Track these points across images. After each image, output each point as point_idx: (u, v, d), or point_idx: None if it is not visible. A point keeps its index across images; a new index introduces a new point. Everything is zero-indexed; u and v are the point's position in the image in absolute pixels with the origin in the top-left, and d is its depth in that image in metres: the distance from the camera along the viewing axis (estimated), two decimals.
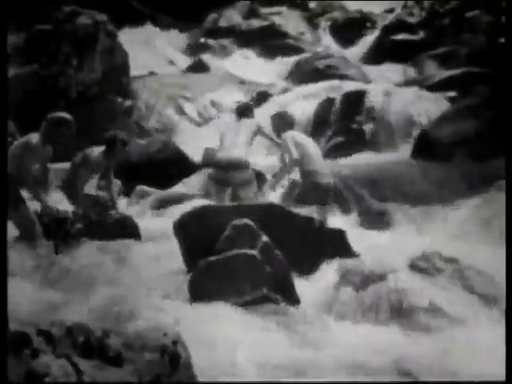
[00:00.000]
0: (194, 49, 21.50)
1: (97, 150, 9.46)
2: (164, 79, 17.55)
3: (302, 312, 5.95)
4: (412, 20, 21.90)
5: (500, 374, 4.03)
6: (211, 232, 6.59)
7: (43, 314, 5.45)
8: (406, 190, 10.23)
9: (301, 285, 6.32)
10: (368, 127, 13.57)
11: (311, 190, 8.77)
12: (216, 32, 22.67)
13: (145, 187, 11.35)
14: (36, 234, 7.86)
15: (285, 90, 16.71)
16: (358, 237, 7.74)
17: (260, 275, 6.09)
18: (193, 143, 13.34)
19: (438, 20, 20.68)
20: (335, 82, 15.81)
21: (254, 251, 6.20)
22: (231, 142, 9.17)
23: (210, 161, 10.58)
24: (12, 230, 7.57)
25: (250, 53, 21.30)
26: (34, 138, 8.01)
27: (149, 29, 21.78)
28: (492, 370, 4.45)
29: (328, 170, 9.19)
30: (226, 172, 9.06)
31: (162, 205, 10.50)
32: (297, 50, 21.08)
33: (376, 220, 8.97)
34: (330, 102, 14.29)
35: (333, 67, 18.52)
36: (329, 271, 6.60)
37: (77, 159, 9.72)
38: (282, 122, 9.47)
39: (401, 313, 5.88)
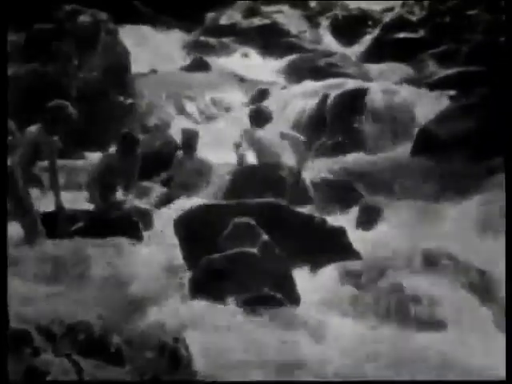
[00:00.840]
0: (194, 47, 21.48)
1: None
2: (165, 77, 17.55)
3: (302, 310, 5.96)
4: (412, 18, 21.91)
5: (500, 373, 4.03)
6: (212, 230, 6.61)
7: (44, 311, 5.46)
8: (406, 189, 10.24)
9: (301, 283, 6.32)
10: (368, 125, 13.57)
11: (266, 180, 8.89)
12: (217, 30, 22.66)
13: (147, 184, 11.33)
14: (38, 233, 7.86)
15: (285, 89, 16.70)
16: (358, 235, 7.75)
17: (260, 273, 6.10)
18: None
19: (439, 18, 20.69)
20: (336, 80, 15.78)
21: (255, 249, 6.20)
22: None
23: None
24: (12, 229, 7.59)
25: (250, 51, 21.30)
26: (33, 129, 8.00)
27: (150, 27, 21.76)
28: (492, 369, 4.45)
29: (284, 161, 9.28)
30: None
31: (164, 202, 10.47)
32: (297, 49, 21.07)
33: (375, 218, 8.97)
34: (327, 99, 14.28)
35: (333, 65, 18.53)
36: (329, 269, 6.60)
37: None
38: (259, 115, 9.63)
39: (400, 311, 5.90)
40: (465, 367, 4.78)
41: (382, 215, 9.11)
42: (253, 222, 6.45)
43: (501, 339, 4.49)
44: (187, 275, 6.47)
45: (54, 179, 8.36)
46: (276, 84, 17.55)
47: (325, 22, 24.55)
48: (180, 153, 10.80)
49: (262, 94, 15.95)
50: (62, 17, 15.40)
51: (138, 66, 16.75)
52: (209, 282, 6.09)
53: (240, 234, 6.38)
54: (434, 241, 7.48)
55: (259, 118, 9.60)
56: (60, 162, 10.35)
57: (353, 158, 12.05)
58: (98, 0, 16.22)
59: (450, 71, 16.14)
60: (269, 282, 6.07)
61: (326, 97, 14.26)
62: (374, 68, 18.88)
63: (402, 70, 18.53)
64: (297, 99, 14.96)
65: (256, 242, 6.28)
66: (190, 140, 10.56)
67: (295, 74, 18.64)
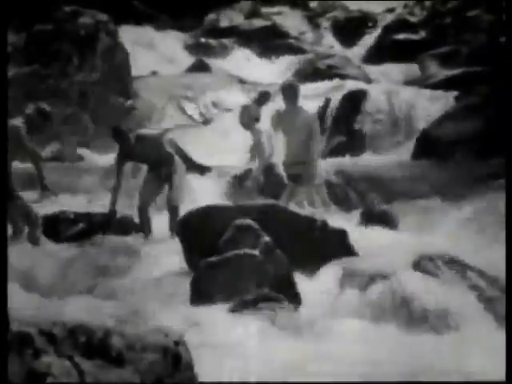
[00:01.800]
0: (195, 48, 21.47)
1: None
2: (165, 79, 17.55)
3: (303, 312, 5.95)
4: (413, 19, 21.93)
5: (500, 374, 4.03)
6: (213, 232, 6.60)
7: (45, 314, 5.46)
8: (408, 190, 10.23)
9: (303, 285, 6.31)
10: (369, 127, 13.57)
11: (273, 181, 8.93)
12: (217, 32, 22.65)
13: None
14: (38, 235, 7.86)
15: None
16: (360, 237, 7.74)
17: (262, 275, 6.10)
18: (194, 143, 13.33)
19: (439, 19, 20.70)
20: (336, 82, 15.79)
21: (256, 251, 6.20)
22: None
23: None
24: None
25: (251, 53, 21.29)
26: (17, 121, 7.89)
27: (150, 28, 21.77)
28: (492, 369, 4.45)
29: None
30: None
31: None
32: (298, 50, 21.08)
33: (378, 220, 8.97)
34: (330, 102, 14.27)
35: (334, 67, 18.52)
36: (331, 271, 6.60)
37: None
38: (249, 114, 9.62)
39: (403, 313, 5.89)
40: (465, 367, 4.77)
41: (385, 216, 9.11)
42: (254, 224, 6.45)
43: (501, 340, 4.48)
44: (188, 277, 6.46)
45: (40, 179, 8.12)
46: (276, 86, 17.54)
47: (325, 23, 24.57)
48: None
49: (264, 96, 15.94)
50: (62, 18, 15.41)
51: (138, 67, 16.76)
52: (210, 284, 6.08)
53: (241, 236, 6.38)
54: (437, 242, 7.48)
55: (249, 116, 9.59)
56: (60, 164, 10.39)
57: (355, 160, 12.05)
58: (97, 1, 16.24)
59: (451, 72, 16.14)
60: (270, 283, 6.07)
61: (328, 100, 14.25)
62: (374, 69, 18.89)
63: (403, 71, 18.53)
64: None
65: (257, 244, 6.27)
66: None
67: (296, 75, 18.64)
